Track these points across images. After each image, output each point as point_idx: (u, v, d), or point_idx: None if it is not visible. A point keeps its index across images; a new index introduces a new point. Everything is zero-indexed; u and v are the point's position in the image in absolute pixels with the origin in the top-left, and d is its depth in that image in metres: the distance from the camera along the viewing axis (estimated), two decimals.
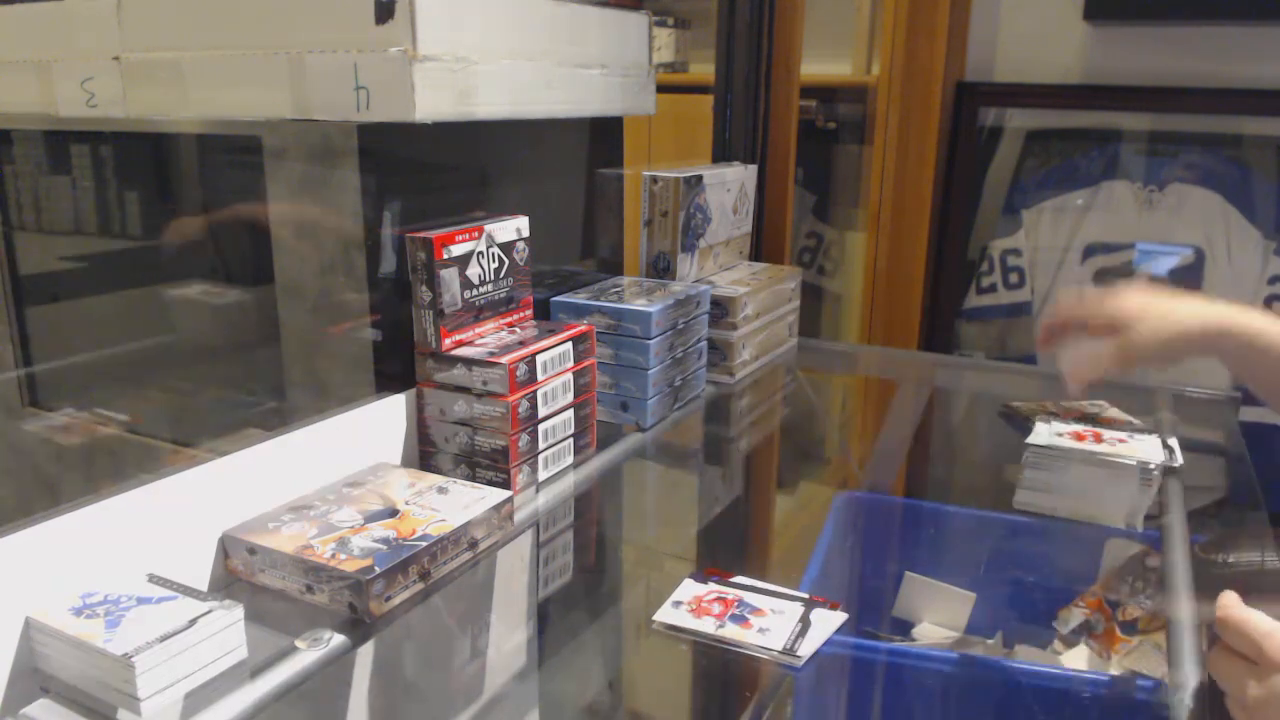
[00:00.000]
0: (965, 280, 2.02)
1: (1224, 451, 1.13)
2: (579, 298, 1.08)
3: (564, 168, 1.14)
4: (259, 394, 1.06)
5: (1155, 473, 0.97)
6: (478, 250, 0.91)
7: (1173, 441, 1.04)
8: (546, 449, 0.93)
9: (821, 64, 2.16)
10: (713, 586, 0.77)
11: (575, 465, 0.98)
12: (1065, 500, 0.97)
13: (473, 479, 0.88)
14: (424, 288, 0.87)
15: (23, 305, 1.20)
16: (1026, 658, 0.93)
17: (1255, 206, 1.80)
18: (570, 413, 0.95)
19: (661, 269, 1.24)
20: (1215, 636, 0.60)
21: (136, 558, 0.67)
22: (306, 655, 0.64)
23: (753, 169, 1.43)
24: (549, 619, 0.80)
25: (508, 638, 0.76)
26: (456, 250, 0.88)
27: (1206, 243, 1.82)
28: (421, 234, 0.87)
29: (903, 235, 1.94)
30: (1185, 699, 0.60)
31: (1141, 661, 0.95)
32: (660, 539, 0.97)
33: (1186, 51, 1.83)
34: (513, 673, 0.72)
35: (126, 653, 0.57)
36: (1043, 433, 1.05)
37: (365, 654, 0.67)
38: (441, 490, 0.81)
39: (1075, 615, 1.03)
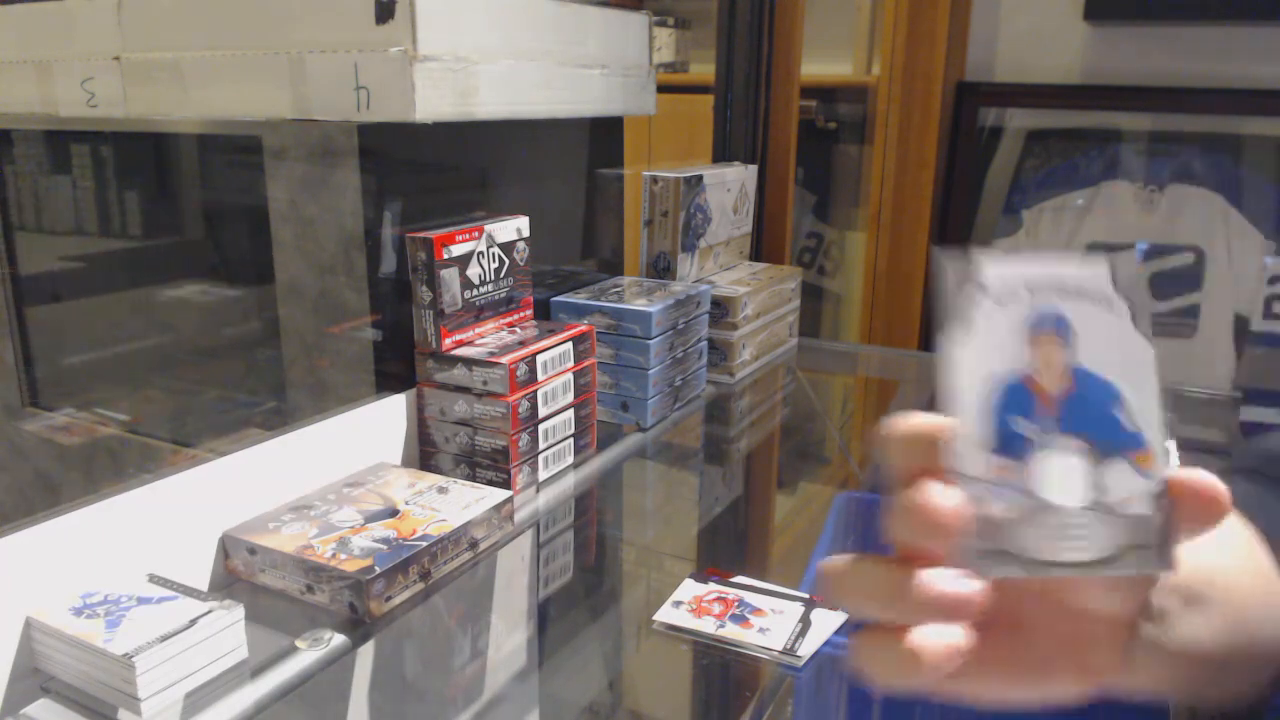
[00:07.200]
0: None
1: (1224, 451, 1.13)
2: (579, 298, 1.08)
3: (564, 168, 1.14)
4: (259, 394, 1.06)
5: None
6: (478, 250, 0.91)
7: (1171, 442, 1.04)
8: (546, 449, 0.93)
9: (821, 64, 2.16)
10: (713, 586, 0.77)
11: (575, 465, 0.98)
12: None
13: (473, 479, 0.88)
14: (424, 288, 0.87)
15: (23, 305, 1.20)
16: None
17: (1255, 207, 1.80)
18: (570, 413, 0.95)
19: (662, 269, 1.24)
20: None
21: (136, 558, 0.67)
22: (306, 655, 0.64)
23: (753, 169, 1.43)
24: (549, 619, 0.80)
25: (508, 638, 0.76)
26: (457, 250, 0.88)
27: (1207, 243, 1.82)
28: (421, 234, 0.87)
29: (903, 235, 1.94)
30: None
31: None
32: (660, 539, 0.97)
33: (1186, 51, 1.82)
34: (513, 673, 0.72)
35: (127, 653, 0.57)
36: None
37: (365, 654, 0.67)
38: (442, 490, 0.81)
39: None
